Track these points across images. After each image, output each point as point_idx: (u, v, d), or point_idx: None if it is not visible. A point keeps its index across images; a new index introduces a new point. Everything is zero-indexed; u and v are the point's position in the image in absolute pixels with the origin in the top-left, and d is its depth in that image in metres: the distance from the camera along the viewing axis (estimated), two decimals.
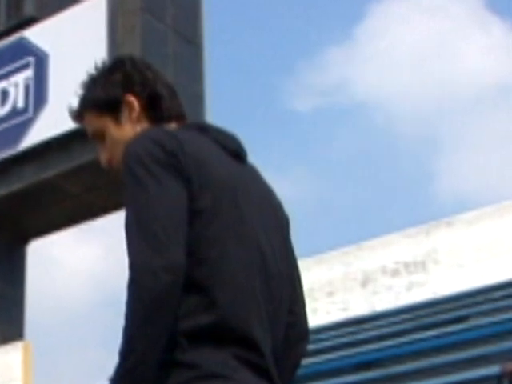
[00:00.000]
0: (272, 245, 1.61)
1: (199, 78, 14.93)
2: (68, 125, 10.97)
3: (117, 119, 1.72)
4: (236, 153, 1.68)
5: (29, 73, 14.16)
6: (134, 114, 1.69)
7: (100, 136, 1.74)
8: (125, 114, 1.72)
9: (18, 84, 14.25)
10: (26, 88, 14.14)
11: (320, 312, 11.38)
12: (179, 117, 1.74)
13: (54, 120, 12.51)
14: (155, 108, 1.73)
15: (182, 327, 1.41)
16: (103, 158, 1.74)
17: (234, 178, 1.63)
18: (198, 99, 14.57)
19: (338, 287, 11.85)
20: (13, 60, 14.38)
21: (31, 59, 14.23)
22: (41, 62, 14.14)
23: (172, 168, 1.51)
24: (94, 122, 1.74)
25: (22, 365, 13.89)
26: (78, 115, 1.76)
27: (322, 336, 10.21)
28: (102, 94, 1.72)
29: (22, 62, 14.27)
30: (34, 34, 14.41)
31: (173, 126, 1.67)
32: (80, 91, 1.76)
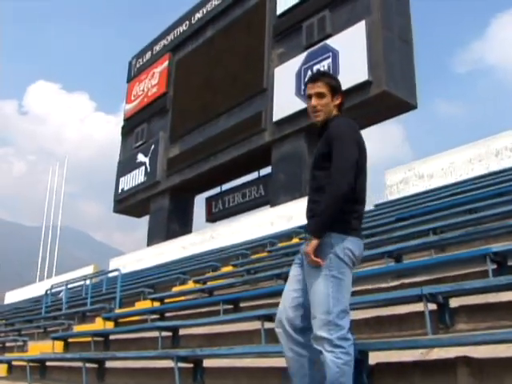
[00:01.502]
0: None
1: (411, 61, 19.68)
2: (350, 81, 17.50)
3: (332, 97, 3.64)
4: None
5: (329, 61, 19.76)
6: (338, 102, 3.68)
7: (320, 95, 3.61)
8: (336, 98, 3.66)
9: (324, 66, 19.74)
10: (328, 68, 19.40)
11: None
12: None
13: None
14: (342, 106, 3.71)
15: (345, 208, 3.43)
16: (314, 103, 3.61)
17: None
18: (412, 74, 19.59)
19: None
20: (321, 55, 20.20)
21: (330, 54, 19.86)
22: (335, 56, 19.66)
23: (355, 140, 3.50)
24: (322, 88, 3.62)
25: None
26: (317, 78, 3.67)
27: None
28: (336, 83, 3.70)
29: (326, 55, 20.00)
30: (332, 42, 20.04)
31: None
32: (330, 74, 3.90)
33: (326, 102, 3.62)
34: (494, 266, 5.83)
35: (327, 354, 3.30)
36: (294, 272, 3.77)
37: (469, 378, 3.78)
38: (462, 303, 5.18)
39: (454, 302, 5.17)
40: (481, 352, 3.89)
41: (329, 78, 3.72)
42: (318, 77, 3.71)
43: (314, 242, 3.37)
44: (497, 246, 5.94)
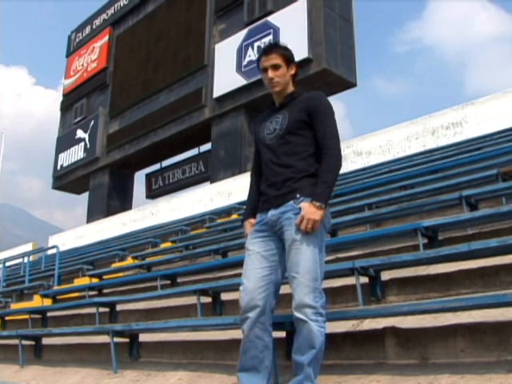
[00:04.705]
0: None
1: (352, 39, 20.14)
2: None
3: (287, 67, 3.63)
4: None
5: (270, 37, 19.65)
6: (294, 72, 3.69)
7: (275, 67, 3.59)
8: (291, 68, 3.66)
9: (265, 43, 18.97)
10: None
11: None
12: None
13: None
14: (296, 76, 3.71)
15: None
16: (271, 75, 3.59)
17: None
18: (352, 53, 20.04)
19: None
20: (262, 31, 20.35)
21: (271, 31, 19.97)
22: (276, 32, 19.75)
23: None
24: (277, 60, 3.58)
25: None
26: (271, 50, 3.60)
27: None
28: (289, 53, 3.65)
29: (267, 32, 20.13)
30: (273, 19, 20.18)
31: None
32: (282, 45, 3.66)
33: (282, 72, 3.59)
34: (425, 241, 5.97)
35: (312, 323, 3.23)
36: (258, 248, 3.53)
37: (396, 347, 3.89)
38: (393, 276, 5.30)
39: (386, 275, 5.29)
40: (408, 322, 4.00)
41: (282, 49, 3.65)
42: (271, 48, 3.63)
43: (323, 210, 3.34)
44: (428, 221, 6.08)
